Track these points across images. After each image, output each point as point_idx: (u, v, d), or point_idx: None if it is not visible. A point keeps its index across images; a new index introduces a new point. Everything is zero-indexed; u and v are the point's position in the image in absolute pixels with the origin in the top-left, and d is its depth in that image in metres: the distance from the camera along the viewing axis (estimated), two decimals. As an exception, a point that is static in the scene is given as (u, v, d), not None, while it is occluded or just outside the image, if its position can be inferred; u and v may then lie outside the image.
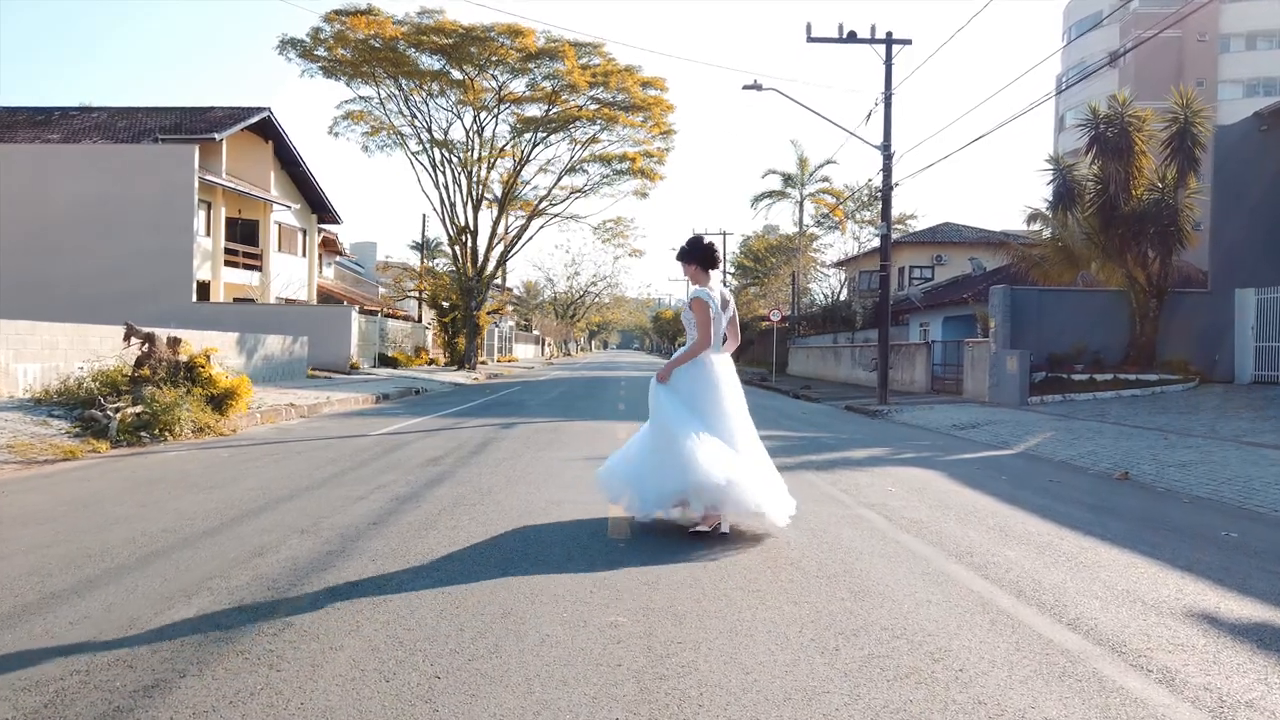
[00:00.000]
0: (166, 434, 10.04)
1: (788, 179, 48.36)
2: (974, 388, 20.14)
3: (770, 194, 49.22)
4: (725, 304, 5.57)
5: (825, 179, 48.45)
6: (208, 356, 11.49)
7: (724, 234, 52.84)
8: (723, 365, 5.52)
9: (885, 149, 19.15)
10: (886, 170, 19.21)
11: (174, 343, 11.49)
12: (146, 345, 11.25)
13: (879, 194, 27.73)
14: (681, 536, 5.19)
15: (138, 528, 5.18)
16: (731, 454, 5.20)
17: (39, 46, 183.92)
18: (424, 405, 17.03)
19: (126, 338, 11.35)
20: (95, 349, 12.51)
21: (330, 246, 45.90)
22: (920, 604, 3.91)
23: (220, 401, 11.31)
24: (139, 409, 10.10)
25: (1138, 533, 5.81)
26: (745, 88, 19.63)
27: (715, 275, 5.63)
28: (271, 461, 8.35)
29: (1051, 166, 19.26)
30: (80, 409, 10.31)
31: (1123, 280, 19.02)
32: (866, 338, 33.90)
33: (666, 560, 4.62)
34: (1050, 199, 19.93)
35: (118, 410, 9.96)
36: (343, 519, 5.55)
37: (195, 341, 15.88)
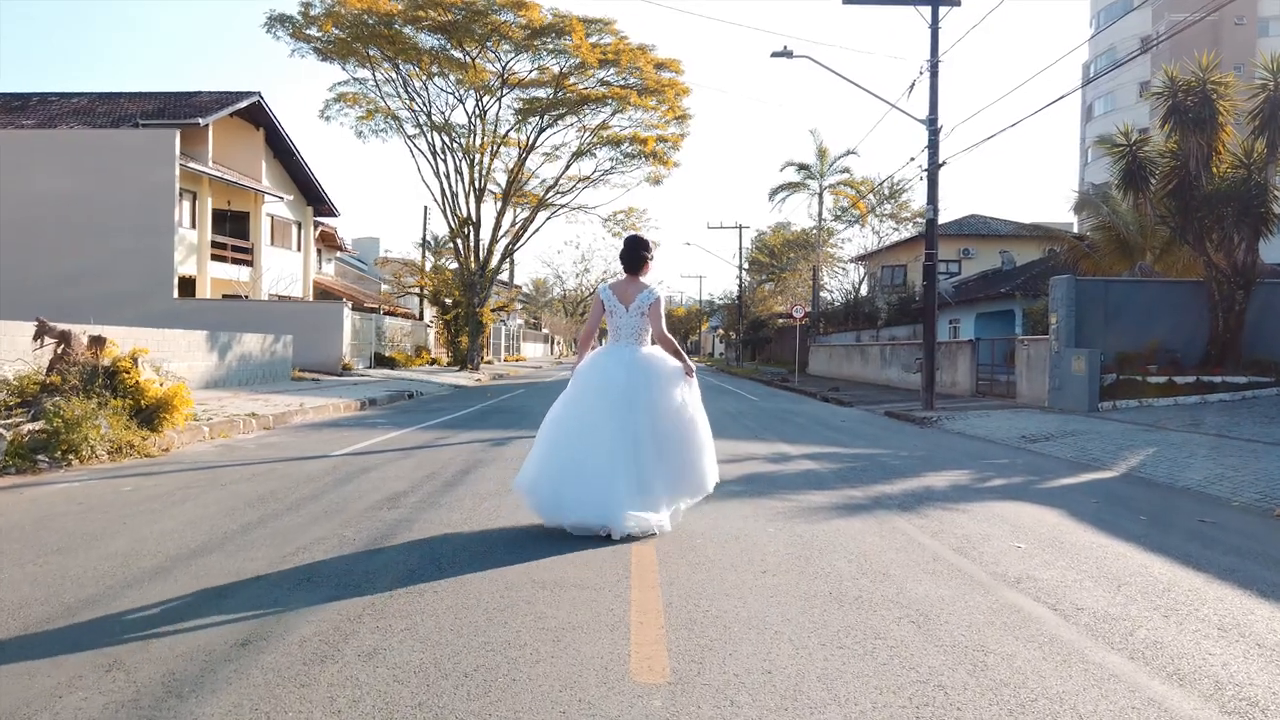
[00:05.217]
0: (72, 456, 8.01)
1: (806, 170, 46.05)
2: (1030, 391, 17.97)
3: (788, 185, 46.90)
4: (637, 301, 5.39)
5: (845, 170, 46.09)
6: (134, 359, 9.44)
7: (740, 228, 50.57)
8: (622, 360, 5.32)
9: (931, 123, 17.00)
10: (933, 146, 17.06)
11: (96, 343, 9.47)
12: (61, 346, 9.25)
13: (918, 177, 25.70)
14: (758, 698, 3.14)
15: None
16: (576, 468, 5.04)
17: (36, 48, 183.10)
18: (412, 412, 14.98)
19: (37, 336, 9.34)
20: (24, 350, 10.50)
21: (330, 242, 43.92)
22: None
23: (151, 414, 9.29)
24: (38, 425, 8.10)
25: None
26: (774, 55, 17.47)
27: (649, 276, 5.58)
28: (177, 501, 6.30)
29: (1121, 143, 17.07)
30: (-28, 425, 8.32)
31: (1196, 268, 16.83)
32: (892, 335, 31.70)
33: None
34: (1117, 179, 17.75)
35: (11, 427, 7.96)
36: (204, 632, 3.49)
37: (147, 341, 13.90)
